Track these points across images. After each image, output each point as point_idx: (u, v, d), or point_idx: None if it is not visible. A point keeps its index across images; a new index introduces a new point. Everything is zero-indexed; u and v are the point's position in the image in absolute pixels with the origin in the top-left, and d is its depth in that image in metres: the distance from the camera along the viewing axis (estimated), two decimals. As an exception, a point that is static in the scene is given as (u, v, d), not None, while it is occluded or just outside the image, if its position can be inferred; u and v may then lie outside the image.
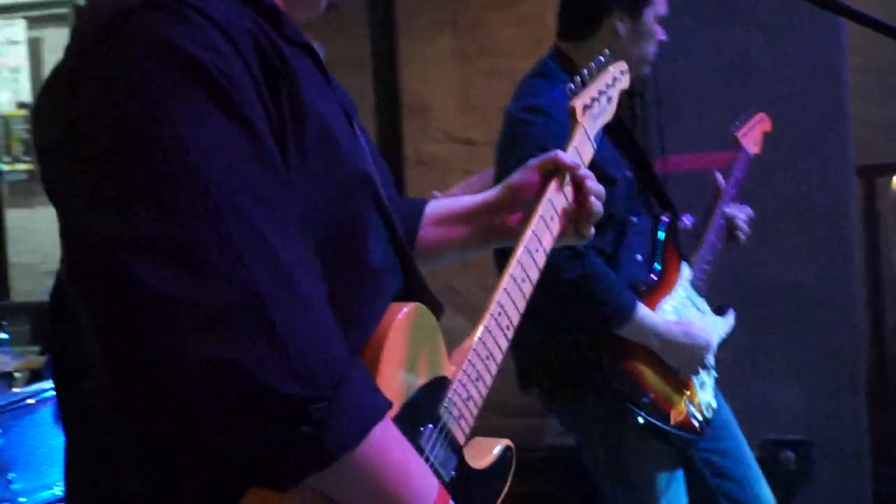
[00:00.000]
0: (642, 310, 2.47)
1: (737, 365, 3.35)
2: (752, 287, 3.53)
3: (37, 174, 4.97)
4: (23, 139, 5.94)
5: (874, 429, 3.77)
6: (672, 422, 2.51)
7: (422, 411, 1.27)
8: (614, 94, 1.78)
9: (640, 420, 2.45)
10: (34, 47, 6.02)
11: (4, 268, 5.93)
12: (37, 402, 2.95)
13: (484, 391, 1.39)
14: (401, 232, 1.33)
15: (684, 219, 2.84)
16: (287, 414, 1.00)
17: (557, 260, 2.37)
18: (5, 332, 3.33)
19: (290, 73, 1.14)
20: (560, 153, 1.55)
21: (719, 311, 2.77)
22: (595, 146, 1.69)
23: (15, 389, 3.20)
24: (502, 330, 1.43)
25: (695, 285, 2.71)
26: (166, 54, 1.03)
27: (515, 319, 1.46)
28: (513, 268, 1.46)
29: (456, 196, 3.36)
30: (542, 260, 1.51)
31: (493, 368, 1.41)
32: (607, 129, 2.58)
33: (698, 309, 2.70)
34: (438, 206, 1.61)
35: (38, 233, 5.83)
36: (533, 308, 2.51)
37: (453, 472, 1.32)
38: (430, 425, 1.28)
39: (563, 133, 2.41)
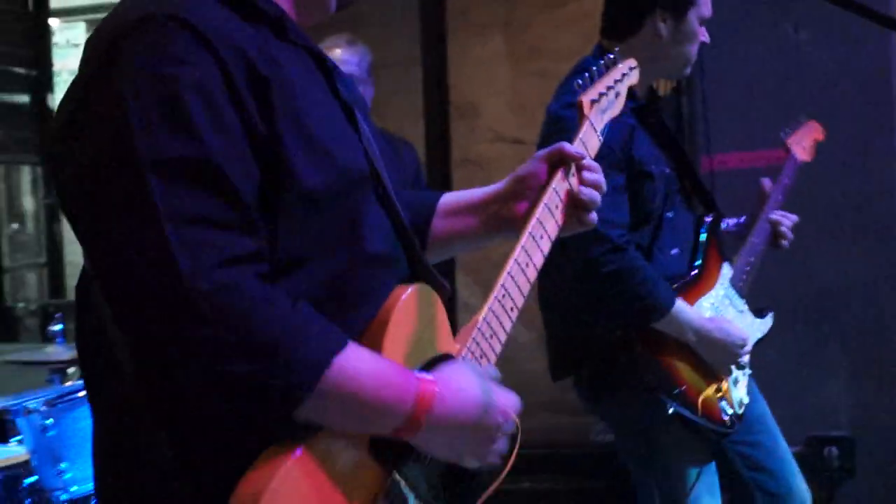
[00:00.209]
0: (680, 305, 2.50)
1: (785, 363, 3.36)
2: (802, 287, 3.54)
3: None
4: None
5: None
6: (702, 414, 2.53)
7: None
8: (623, 89, 1.84)
9: (671, 410, 2.47)
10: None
11: (61, 267, 6.07)
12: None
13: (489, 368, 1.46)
14: (406, 221, 1.44)
15: (729, 221, 2.86)
16: (233, 390, 1.20)
17: (598, 253, 2.40)
18: (61, 326, 3.42)
19: (282, 79, 1.29)
20: (566, 145, 1.61)
21: (759, 312, 2.79)
22: (601, 138, 1.75)
23: (68, 383, 3.32)
24: (506, 311, 1.49)
25: (735, 285, 2.73)
26: (148, 80, 1.22)
27: (520, 302, 1.52)
28: (517, 254, 1.53)
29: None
30: (546, 246, 1.58)
31: (498, 347, 1.49)
32: (648, 127, 2.62)
33: (737, 308, 2.72)
34: (451, 197, 1.69)
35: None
36: (567, 300, 2.57)
37: None
38: None
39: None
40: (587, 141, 1.71)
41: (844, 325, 3.66)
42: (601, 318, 2.53)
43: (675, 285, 2.56)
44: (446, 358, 1.41)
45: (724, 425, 2.58)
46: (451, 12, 5.66)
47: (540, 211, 1.56)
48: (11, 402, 2.98)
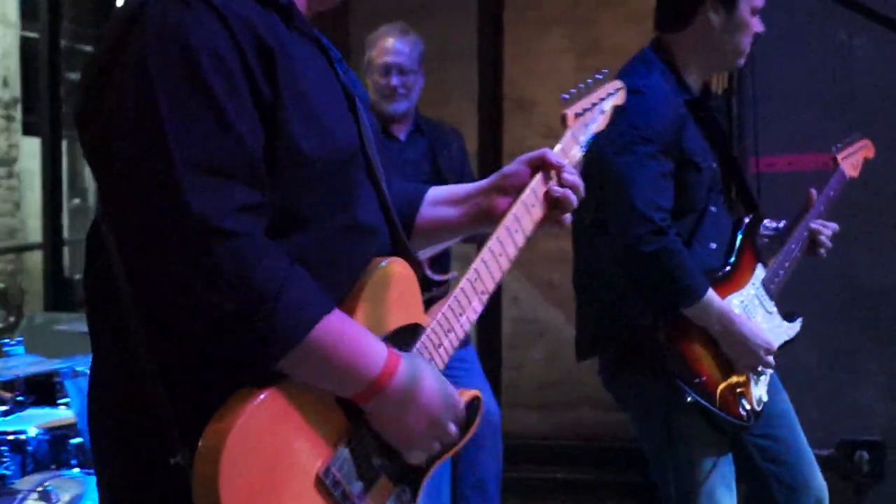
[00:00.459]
0: (711, 294, 2.52)
1: (820, 366, 3.36)
2: (839, 290, 3.53)
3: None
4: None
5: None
6: (720, 407, 2.56)
7: (395, 349, 1.48)
8: (607, 107, 1.95)
9: (689, 399, 2.50)
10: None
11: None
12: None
13: (455, 342, 1.61)
14: (390, 202, 1.58)
15: (769, 224, 2.88)
16: (227, 326, 1.32)
17: (639, 233, 2.45)
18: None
19: (286, 54, 1.41)
20: (548, 151, 1.74)
21: (788, 316, 2.81)
22: (583, 150, 1.86)
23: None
24: (477, 293, 1.63)
25: (766, 287, 2.75)
26: (169, 45, 1.35)
27: (491, 286, 1.66)
28: (492, 242, 1.66)
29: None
30: (521, 240, 1.70)
31: (466, 325, 1.63)
32: (700, 121, 2.64)
33: (766, 309, 2.74)
34: (437, 189, 1.81)
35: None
36: (602, 281, 2.61)
37: None
38: None
39: (654, 113, 2.51)
40: (568, 150, 1.83)
41: (881, 329, 3.65)
42: (634, 300, 2.57)
43: (709, 277, 2.59)
44: (414, 328, 1.55)
45: (741, 419, 2.60)
46: (512, 6, 5.69)
47: (517, 207, 1.69)
48: (60, 365, 3.08)
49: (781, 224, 2.89)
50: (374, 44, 3.74)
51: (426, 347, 1.57)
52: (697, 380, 2.53)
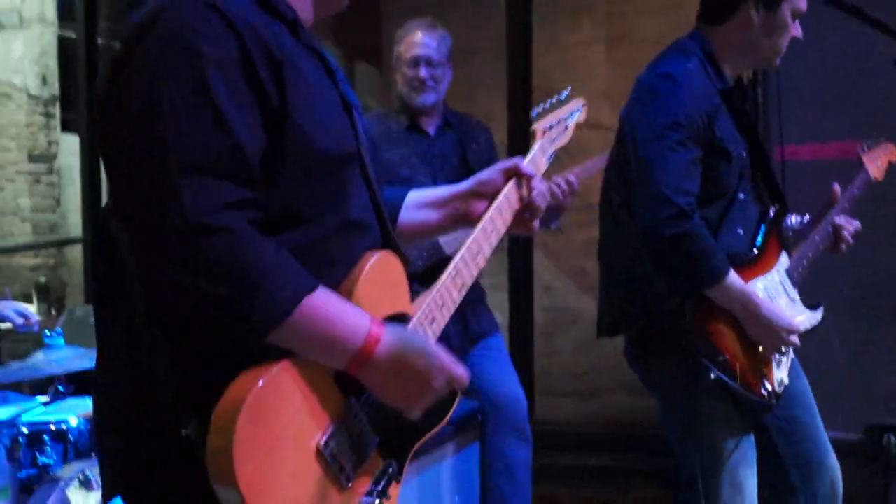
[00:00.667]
0: (733, 276, 2.57)
1: (846, 351, 3.37)
2: (863, 276, 3.54)
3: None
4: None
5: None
6: (742, 384, 2.60)
7: None
8: (571, 124, 2.16)
9: (713, 376, 2.54)
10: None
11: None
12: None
13: (437, 331, 1.77)
14: (381, 202, 1.73)
15: (793, 217, 2.92)
16: (220, 309, 1.44)
17: (664, 216, 2.50)
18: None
19: (293, 64, 1.54)
20: (520, 162, 1.91)
21: (811, 306, 2.86)
22: (549, 161, 2.06)
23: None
24: (457, 287, 1.80)
25: (790, 275, 2.81)
26: (179, 51, 1.46)
27: (469, 280, 1.82)
28: (470, 241, 1.83)
29: (574, 173, 3.52)
30: (495, 240, 1.88)
31: (447, 315, 1.79)
32: (732, 110, 2.68)
33: (789, 297, 2.79)
34: (417, 193, 1.96)
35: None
36: (629, 262, 2.65)
37: None
38: None
39: (687, 100, 2.57)
40: (537, 161, 2.01)
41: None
42: (660, 280, 2.61)
43: (735, 261, 2.63)
44: (402, 317, 1.70)
45: (763, 398, 2.64)
46: (540, -1, 5.72)
47: (492, 211, 1.86)
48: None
49: (806, 218, 2.95)
50: (403, 39, 3.80)
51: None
52: (721, 358, 2.57)
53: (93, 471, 2.95)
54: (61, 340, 3.24)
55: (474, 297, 3.80)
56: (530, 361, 5.13)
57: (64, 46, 7.68)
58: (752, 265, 2.70)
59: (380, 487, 1.65)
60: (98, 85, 1.55)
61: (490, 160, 3.75)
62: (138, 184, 1.45)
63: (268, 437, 1.47)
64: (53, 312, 7.14)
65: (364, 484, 1.64)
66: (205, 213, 1.43)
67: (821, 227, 2.88)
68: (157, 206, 1.43)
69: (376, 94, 6.83)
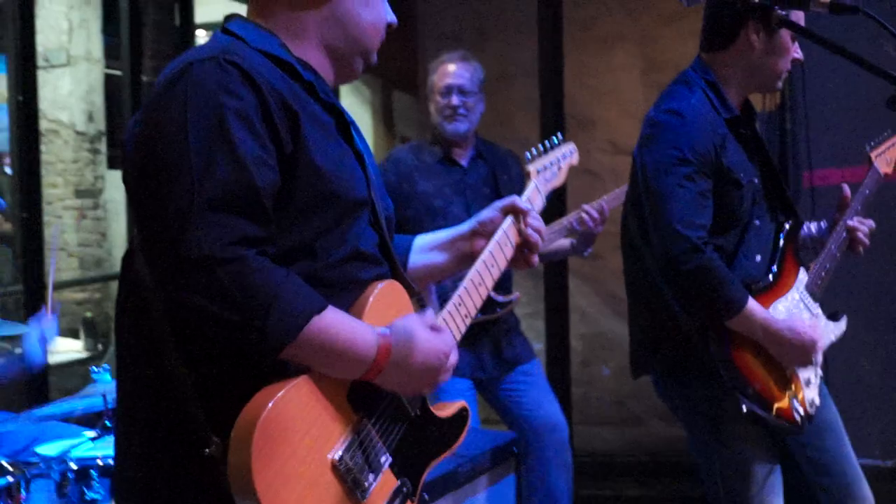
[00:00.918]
0: (752, 305, 2.60)
1: (881, 376, 3.36)
2: (893, 298, 3.52)
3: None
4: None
5: None
6: (774, 412, 2.62)
7: None
8: (564, 166, 2.31)
9: (744, 408, 2.57)
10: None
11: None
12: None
13: None
14: (390, 244, 1.87)
15: (811, 225, 2.93)
16: (234, 331, 1.57)
17: (678, 251, 2.55)
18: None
19: (309, 116, 1.70)
20: (516, 199, 2.02)
21: (833, 316, 2.86)
22: (545, 201, 2.19)
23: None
24: (461, 316, 1.91)
25: (810, 290, 2.82)
26: (204, 102, 1.62)
27: (473, 311, 1.94)
28: (472, 274, 1.95)
29: (605, 201, 3.57)
30: (496, 274, 1.98)
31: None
32: (740, 137, 2.72)
33: (811, 312, 2.81)
34: (423, 238, 2.08)
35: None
36: (652, 295, 2.69)
37: (418, 411, 1.85)
38: None
39: (693, 134, 2.62)
40: (533, 199, 2.15)
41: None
42: (680, 313, 2.66)
43: (753, 288, 2.67)
44: None
45: (796, 424, 2.67)
46: (574, 25, 5.77)
47: (492, 245, 1.97)
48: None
49: (824, 225, 2.95)
50: (436, 69, 3.88)
51: None
52: (750, 389, 2.60)
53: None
54: (108, 376, 3.31)
55: (508, 325, 3.85)
56: (568, 389, 5.15)
57: (110, 84, 7.83)
58: (771, 289, 2.73)
59: None
60: (129, 125, 1.70)
61: (521, 189, 3.79)
62: (163, 215, 1.58)
63: (284, 451, 1.57)
64: (100, 347, 7.28)
65: (379, 500, 1.74)
66: (220, 246, 1.56)
67: (835, 233, 2.88)
68: (178, 236, 1.56)
69: (413, 123, 6.91)
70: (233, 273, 1.56)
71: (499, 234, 1.98)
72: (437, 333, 1.77)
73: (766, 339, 2.63)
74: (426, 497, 2.78)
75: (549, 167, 2.24)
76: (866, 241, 2.91)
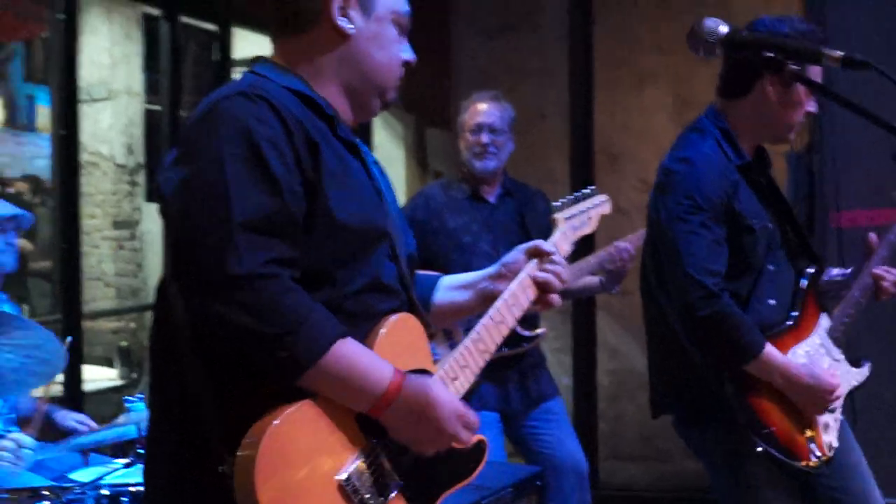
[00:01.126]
0: (769, 350, 2.62)
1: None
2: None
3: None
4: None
5: None
6: (790, 455, 2.64)
7: None
8: (594, 214, 2.36)
9: (759, 449, 2.59)
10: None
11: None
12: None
13: (461, 389, 1.92)
14: (408, 274, 1.94)
15: (834, 271, 2.94)
16: (263, 346, 1.64)
17: (693, 298, 2.59)
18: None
19: (329, 148, 1.80)
20: (541, 242, 2.09)
21: (855, 362, 2.87)
22: (571, 248, 2.24)
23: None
24: (479, 351, 1.97)
25: (832, 335, 2.83)
26: (236, 131, 1.72)
27: (492, 347, 1.99)
28: (492, 311, 2.01)
29: (634, 240, 3.60)
30: (518, 313, 2.04)
31: (471, 376, 1.95)
32: (753, 184, 2.75)
33: (833, 357, 2.82)
34: (450, 277, 2.16)
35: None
36: (670, 339, 2.72)
37: None
38: None
39: (705, 182, 2.66)
40: (560, 244, 2.19)
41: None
42: (697, 358, 2.69)
43: (770, 333, 2.69)
44: (423, 373, 1.86)
45: (812, 466, 2.68)
46: (606, 63, 5.82)
47: (514, 285, 2.04)
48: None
49: (848, 271, 2.96)
50: (468, 108, 3.95)
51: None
52: (766, 430, 2.62)
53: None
54: (141, 405, 3.38)
55: (534, 360, 3.89)
56: (594, 424, 5.17)
57: (149, 118, 7.97)
58: (790, 332, 2.75)
59: None
60: (165, 162, 1.79)
61: (548, 227, 3.84)
62: (202, 236, 1.66)
63: (287, 471, 1.63)
64: (134, 375, 7.37)
65: None
66: (257, 264, 1.64)
67: (860, 280, 2.88)
68: (218, 253, 1.64)
69: (446, 158, 6.99)
70: (269, 290, 1.64)
71: (521, 276, 2.05)
72: (465, 406, 1.82)
73: (784, 383, 2.65)
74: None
75: (578, 215, 2.29)
76: (892, 289, 2.90)
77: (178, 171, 1.74)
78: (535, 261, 2.06)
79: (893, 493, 2.94)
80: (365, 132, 5.89)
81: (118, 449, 3.77)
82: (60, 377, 4.94)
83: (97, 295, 7.91)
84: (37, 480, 3.26)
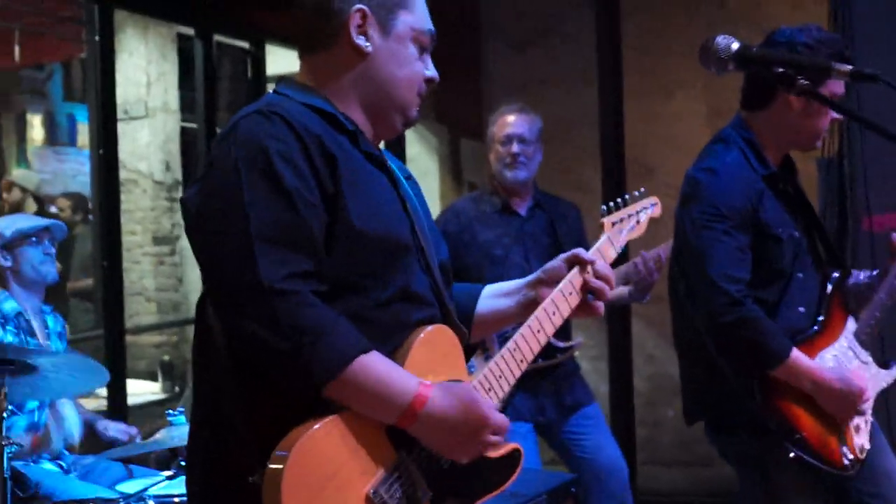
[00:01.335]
0: (796, 355, 2.64)
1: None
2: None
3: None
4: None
5: None
6: (823, 459, 2.66)
7: None
8: (643, 218, 2.33)
9: (791, 455, 2.61)
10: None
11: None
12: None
13: (496, 398, 1.94)
14: (440, 284, 1.95)
15: (860, 274, 2.95)
16: (284, 360, 1.68)
17: (717, 305, 2.61)
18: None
19: (349, 161, 1.84)
20: (581, 251, 2.09)
21: (884, 364, 2.87)
22: (618, 251, 2.22)
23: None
24: (515, 361, 1.98)
25: (859, 338, 2.85)
26: (251, 148, 1.78)
27: (529, 356, 2.00)
28: (531, 321, 2.01)
29: (663, 249, 3.62)
30: (558, 321, 2.04)
31: (506, 386, 1.96)
32: (778, 193, 2.77)
33: (861, 360, 2.84)
34: (492, 286, 2.16)
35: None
36: (698, 347, 2.75)
37: None
38: None
39: (729, 191, 2.69)
40: (604, 251, 2.18)
41: None
42: (724, 365, 2.71)
43: (798, 338, 2.71)
44: (458, 383, 1.87)
45: (844, 469, 2.70)
46: (636, 72, 5.85)
47: (555, 294, 2.04)
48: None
49: (874, 273, 2.96)
50: (497, 120, 4.00)
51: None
52: (798, 435, 2.64)
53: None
54: (182, 418, 3.45)
55: (568, 371, 3.92)
56: (632, 430, 5.18)
57: (186, 135, 8.08)
58: (818, 338, 2.77)
59: None
60: (193, 176, 1.85)
61: (579, 238, 3.89)
62: (224, 250, 1.73)
63: (315, 484, 1.67)
64: (176, 389, 7.47)
65: None
66: (277, 278, 1.69)
67: (886, 282, 2.88)
68: (238, 268, 1.70)
69: (480, 170, 7.04)
70: (287, 304, 1.68)
71: (563, 283, 2.05)
72: (496, 412, 1.84)
73: (813, 388, 2.67)
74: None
75: (627, 219, 2.27)
76: None
77: (199, 189, 1.81)
78: (576, 269, 2.06)
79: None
80: (399, 145, 5.94)
81: (162, 462, 3.85)
82: (104, 391, 5.05)
83: (139, 310, 8.02)
84: (85, 490, 3.35)
